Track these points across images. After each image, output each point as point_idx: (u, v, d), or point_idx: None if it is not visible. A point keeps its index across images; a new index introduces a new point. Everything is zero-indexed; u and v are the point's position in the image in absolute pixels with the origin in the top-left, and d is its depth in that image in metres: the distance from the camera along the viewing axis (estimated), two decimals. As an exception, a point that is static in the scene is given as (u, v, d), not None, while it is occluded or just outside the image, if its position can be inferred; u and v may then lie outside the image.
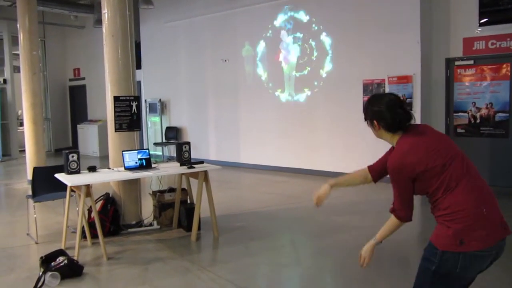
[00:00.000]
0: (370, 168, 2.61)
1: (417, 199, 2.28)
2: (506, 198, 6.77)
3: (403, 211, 2.25)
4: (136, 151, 5.16)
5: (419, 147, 2.15)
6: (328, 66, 8.63)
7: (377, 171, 2.56)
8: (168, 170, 5.12)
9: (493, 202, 2.14)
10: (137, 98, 5.59)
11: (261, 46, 9.67)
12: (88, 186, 4.52)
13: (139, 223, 5.51)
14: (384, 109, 2.21)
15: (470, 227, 2.04)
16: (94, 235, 4.80)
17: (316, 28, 8.74)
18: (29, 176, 7.99)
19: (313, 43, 8.81)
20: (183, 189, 5.62)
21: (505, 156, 7.15)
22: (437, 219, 2.16)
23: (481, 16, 7.18)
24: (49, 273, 3.88)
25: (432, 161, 2.11)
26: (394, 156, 2.19)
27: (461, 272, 2.07)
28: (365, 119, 2.34)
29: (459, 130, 7.51)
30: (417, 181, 2.16)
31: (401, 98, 2.29)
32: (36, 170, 5.35)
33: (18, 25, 8.62)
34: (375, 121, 2.26)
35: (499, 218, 2.12)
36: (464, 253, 2.03)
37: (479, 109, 7.33)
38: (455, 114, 7.55)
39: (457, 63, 7.50)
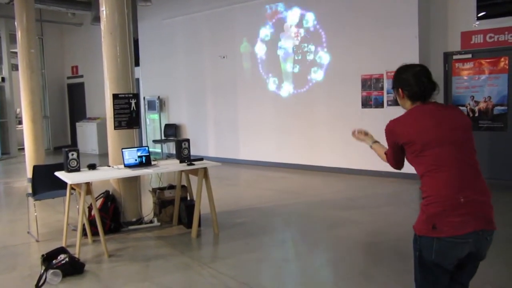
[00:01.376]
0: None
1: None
2: (504, 191, 6.80)
3: (390, 162, 2.43)
4: (135, 149, 5.16)
5: (413, 120, 2.21)
6: (326, 61, 8.63)
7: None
8: (168, 167, 5.12)
9: (482, 195, 2.13)
10: (136, 96, 5.59)
11: (259, 42, 9.66)
12: (88, 184, 4.53)
13: (140, 220, 5.53)
14: (411, 77, 2.26)
15: (442, 213, 2.07)
16: (94, 233, 4.81)
17: (314, 23, 8.73)
18: (29, 174, 7.99)
19: (311, 39, 8.81)
20: (183, 186, 5.63)
21: (503, 149, 7.17)
22: (421, 204, 2.21)
23: (478, 10, 7.18)
24: (51, 271, 3.89)
25: (417, 137, 2.16)
26: (394, 120, 2.29)
27: (437, 258, 2.10)
28: (393, 87, 2.40)
29: (457, 124, 7.51)
30: (407, 153, 2.26)
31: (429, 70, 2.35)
32: (36, 168, 5.36)
33: (16, 23, 8.61)
34: (400, 89, 2.31)
35: (483, 211, 2.13)
36: (437, 238, 2.08)
37: (477, 102, 7.34)
38: (453, 108, 7.55)
39: (455, 57, 7.51)
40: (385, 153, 2.47)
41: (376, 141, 2.67)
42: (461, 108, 7.47)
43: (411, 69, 2.30)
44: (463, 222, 2.06)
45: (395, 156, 2.35)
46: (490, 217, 2.14)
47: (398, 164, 2.40)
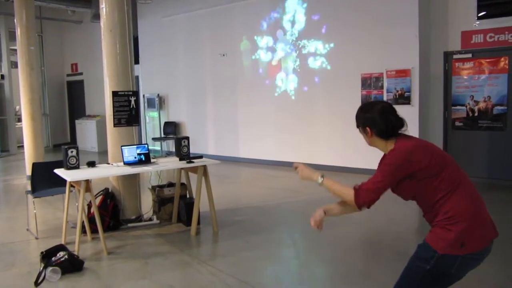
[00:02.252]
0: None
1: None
2: (503, 191, 6.80)
3: (366, 196, 2.18)
4: (135, 146, 5.16)
5: (424, 146, 2.19)
6: (326, 60, 8.62)
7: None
8: (168, 165, 5.12)
9: (484, 204, 2.19)
10: (136, 93, 5.59)
11: (259, 40, 9.65)
12: (87, 181, 4.53)
13: (139, 218, 5.53)
14: (377, 116, 2.23)
15: (470, 228, 2.07)
16: (94, 230, 4.81)
17: (314, 21, 8.72)
18: (28, 171, 7.99)
19: (311, 37, 8.80)
20: (182, 184, 5.63)
21: (502, 149, 7.18)
22: (435, 223, 2.15)
23: (479, 9, 7.18)
24: (50, 268, 3.90)
25: (434, 160, 2.12)
26: (398, 151, 2.15)
27: (456, 272, 2.12)
28: (357, 126, 2.34)
29: (457, 123, 7.53)
30: (413, 180, 2.14)
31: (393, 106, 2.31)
32: (35, 166, 5.36)
33: (15, 20, 8.59)
34: (367, 128, 2.27)
35: (489, 219, 2.17)
36: (462, 256, 2.07)
37: (477, 102, 7.34)
38: (453, 107, 7.57)
39: (455, 56, 7.51)
40: (355, 188, 2.24)
41: (323, 175, 2.46)
42: (460, 107, 7.49)
43: (375, 107, 2.26)
44: (484, 236, 2.11)
45: (388, 185, 2.18)
46: (493, 223, 2.19)
47: (375, 197, 2.18)
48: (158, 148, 11.82)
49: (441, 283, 2.18)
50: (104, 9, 5.40)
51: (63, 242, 4.68)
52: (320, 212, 2.48)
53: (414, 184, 2.15)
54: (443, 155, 2.19)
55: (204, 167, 5.09)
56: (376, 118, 2.23)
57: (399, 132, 2.25)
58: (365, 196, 2.18)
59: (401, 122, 2.23)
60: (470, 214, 2.09)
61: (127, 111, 5.46)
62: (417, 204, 2.29)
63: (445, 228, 2.08)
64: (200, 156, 5.32)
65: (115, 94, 5.39)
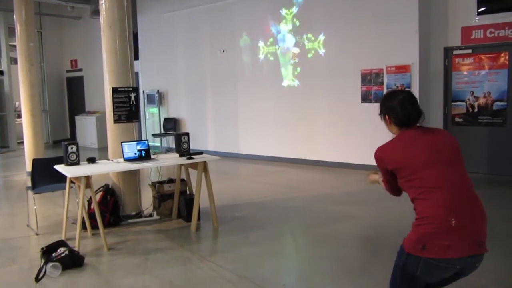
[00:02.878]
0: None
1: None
2: (504, 186, 6.82)
3: (389, 190, 2.50)
4: (135, 142, 5.16)
5: (399, 146, 2.28)
6: (326, 56, 8.62)
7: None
8: (168, 161, 5.13)
9: (476, 219, 2.12)
10: (136, 89, 5.58)
11: (259, 36, 9.64)
12: (88, 177, 4.53)
13: (139, 214, 5.54)
14: (397, 105, 2.32)
15: (432, 235, 2.08)
16: (94, 226, 4.82)
17: (314, 18, 8.71)
18: (28, 167, 7.98)
19: (311, 33, 8.79)
20: (182, 180, 5.64)
21: (502, 144, 7.18)
22: (412, 224, 2.23)
23: (479, 5, 7.17)
24: (50, 264, 3.91)
25: (405, 162, 2.20)
26: (380, 147, 2.35)
27: (422, 275, 2.14)
28: (379, 113, 2.45)
29: (457, 119, 7.53)
30: (398, 178, 2.29)
31: (415, 96, 2.41)
32: (35, 162, 5.36)
33: (14, 16, 8.57)
34: (387, 116, 2.38)
35: (475, 235, 2.10)
36: (425, 258, 2.09)
37: (477, 98, 7.35)
38: (453, 103, 7.57)
39: (455, 52, 7.51)
40: (383, 181, 2.52)
41: (383, 181, 2.62)
42: (460, 103, 7.48)
43: (396, 97, 2.36)
44: (449, 247, 2.05)
45: (390, 183, 2.40)
46: (482, 241, 2.12)
47: (395, 192, 2.45)
48: (158, 144, 11.82)
49: (416, 285, 2.19)
50: (103, 5, 5.38)
51: (63, 238, 4.69)
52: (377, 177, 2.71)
53: (400, 183, 2.30)
54: (420, 156, 2.17)
55: (204, 163, 5.10)
56: (396, 107, 2.32)
57: (417, 124, 2.32)
58: (387, 190, 2.52)
59: (418, 114, 2.31)
60: (435, 219, 2.07)
61: (127, 107, 5.46)
62: None
63: (413, 229, 2.18)
64: (200, 152, 5.32)
65: (115, 90, 5.39)
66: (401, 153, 2.25)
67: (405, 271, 2.19)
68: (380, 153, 2.33)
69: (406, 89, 7.56)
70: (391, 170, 2.28)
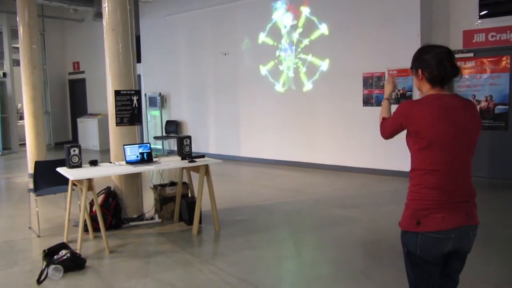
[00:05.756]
0: None
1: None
2: (505, 190, 6.80)
3: (382, 131, 2.38)
4: (137, 145, 5.17)
5: (429, 114, 2.10)
6: (328, 59, 8.63)
7: None
8: (170, 164, 5.13)
9: (468, 199, 2.16)
10: (138, 92, 5.60)
11: (261, 39, 9.66)
12: (90, 180, 4.54)
13: (141, 217, 5.54)
14: (432, 60, 2.14)
15: (425, 210, 2.10)
16: (96, 229, 4.83)
17: (316, 21, 8.73)
18: (30, 169, 8.03)
19: (313, 36, 8.80)
20: (184, 183, 5.64)
21: (504, 148, 7.18)
22: (407, 191, 2.22)
23: (481, 8, 7.18)
24: (52, 266, 3.91)
25: (427, 133, 2.09)
26: (411, 103, 2.20)
27: (421, 253, 2.14)
28: (411, 67, 2.26)
29: (458, 123, 7.52)
30: (409, 136, 2.19)
31: (452, 51, 2.20)
32: (37, 164, 5.37)
33: (17, 18, 8.61)
34: (420, 70, 2.19)
35: (465, 209, 2.14)
36: (421, 234, 2.11)
37: (478, 101, 7.34)
38: (455, 107, 7.55)
39: (457, 55, 7.47)
40: (383, 118, 2.40)
41: (387, 98, 2.57)
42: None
43: (434, 50, 2.16)
44: (445, 218, 2.09)
45: (393, 131, 2.29)
46: (472, 213, 2.16)
47: (389, 137, 2.35)
48: (160, 146, 11.83)
49: (427, 270, 2.18)
50: (106, 8, 5.40)
51: (65, 240, 4.69)
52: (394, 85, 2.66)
53: (408, 140, 2.20)
54: (444, 134, 2.08)
55: (206, 166, 5.10)
56: (431, 62, 2.14)
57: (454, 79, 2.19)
58: (382, 131, 2.37)
59: (456, 72, 2.14)
60: (428, 198, 2.10)
61: (129, 110, 5.48)
62: None
63: (406, 205, 2.19)
64: (202, 155, 5.32)
65: (117, 93, 5.40)
66: (429, 122, 2.08)
67: (410, 256, 2.20)
68: (408, 110, 2.15)
69: (408, 92, 7.56)
70: (408, 129, 2.15)
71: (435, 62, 2.13)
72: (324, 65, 8.69)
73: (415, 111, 2.13)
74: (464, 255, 2.23)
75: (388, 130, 2.33)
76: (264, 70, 9.69)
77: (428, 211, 2.10)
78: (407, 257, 2.23)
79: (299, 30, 9.00)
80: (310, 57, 8.89)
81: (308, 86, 8.99)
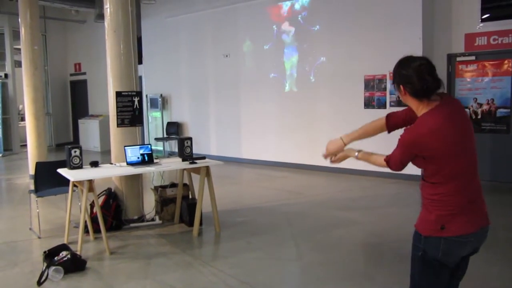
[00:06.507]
0: (389, 116, 2.47)
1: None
2: (507, 193, 6.79)
3: (395, 167, 2.25)
4: (138, 146, 5.17)
5: (438, 132, 2.05)
6: (329, 61, 8.63)
7: (394, 123, 2.46)
8: (170, 166, 5.13)
9: (480, 196, 2.19)
10: (139, 94, 5.60)
11: (262, 41, 9.66)
12: (90, 181, 4.54)
13: (141, 218, 5.54)
14: (413, 74, 2.08)
15: (451, 215, 2.09)
16: (96, 230, 4.83)
17: (317, 23, 8.73)
18: (31, 170, 8.02)
19: (314, 38, 8.80)
20: (184, 185, 5.64)
21: (506, 151, 7.17)
22: (423, 198, 2.20)
23: (483, 12, 7.18)
24: (53, 268, 3.91)
25: (443, 150, 2.06)
26: (411, 130, 2.13)
27: (443, 257, 2.12)
28: (393, 82, 2.23)
29: (460, 126, 7.51)
30: (421, 158, 2.14)
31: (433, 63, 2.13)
32: (38, 165, 5.37)
33: (19, 20, 8.62)
34: (401, 86, 2.15)
35: (482, 209, 2.18)
36: (445, 238, 2.09)
37: (480, 105, 7.34)
38: (456, 110, 7.55)
39: (458, 59, 7.50)
40: (385, 160, 2.28)
41: (359, 150, 2.48)
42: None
43: (413, 64, 2.10)
44: (467, 222, 2.10)
45: (407, 162, 2.21)
46: (487, 214, 2.20)
47: (402, 168, 2.25)
48: (161, 148, 11.83)
49: (440, 273, 2.17)
50: (108, 10, 5.41)
51: (65, 242, 4.69)
52: (339, 143, 2.64)
53: (420, 162, 2.15)
54: (456, 144, 2.08)
55: (207, 168, 5.10)
56: (412, 77, 2.08)
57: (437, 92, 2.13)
58: (395, 167, 2.25)
59: (437, 84, 2.09)
60: (453, 203, 2.10)
61: (131, 111, 5.48)
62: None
63: (429, 209, 2.14)
64: (203, 157, 5.32)
65: (118, 94, 5.40)
66: (440, 140, 2.04)
67: (426, 260, 2.15)
68: (415, 138, 2.08)
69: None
70: (423, 155, 2.09)
71: (415, 77, 2.08)
72: (325, 67, 8.69)
73: (423, 136, 2.07)
74: (472, 255, 2.25)
75: (401, 164, 2.22)
76: (265, 72, 9.69)
77: (451, 216, 2.09)
78: (422, 261, 2.17)
79: (301, 32, 9.00)
80: (311, 59, 8.88)
81: (309, 88, 8.99)
